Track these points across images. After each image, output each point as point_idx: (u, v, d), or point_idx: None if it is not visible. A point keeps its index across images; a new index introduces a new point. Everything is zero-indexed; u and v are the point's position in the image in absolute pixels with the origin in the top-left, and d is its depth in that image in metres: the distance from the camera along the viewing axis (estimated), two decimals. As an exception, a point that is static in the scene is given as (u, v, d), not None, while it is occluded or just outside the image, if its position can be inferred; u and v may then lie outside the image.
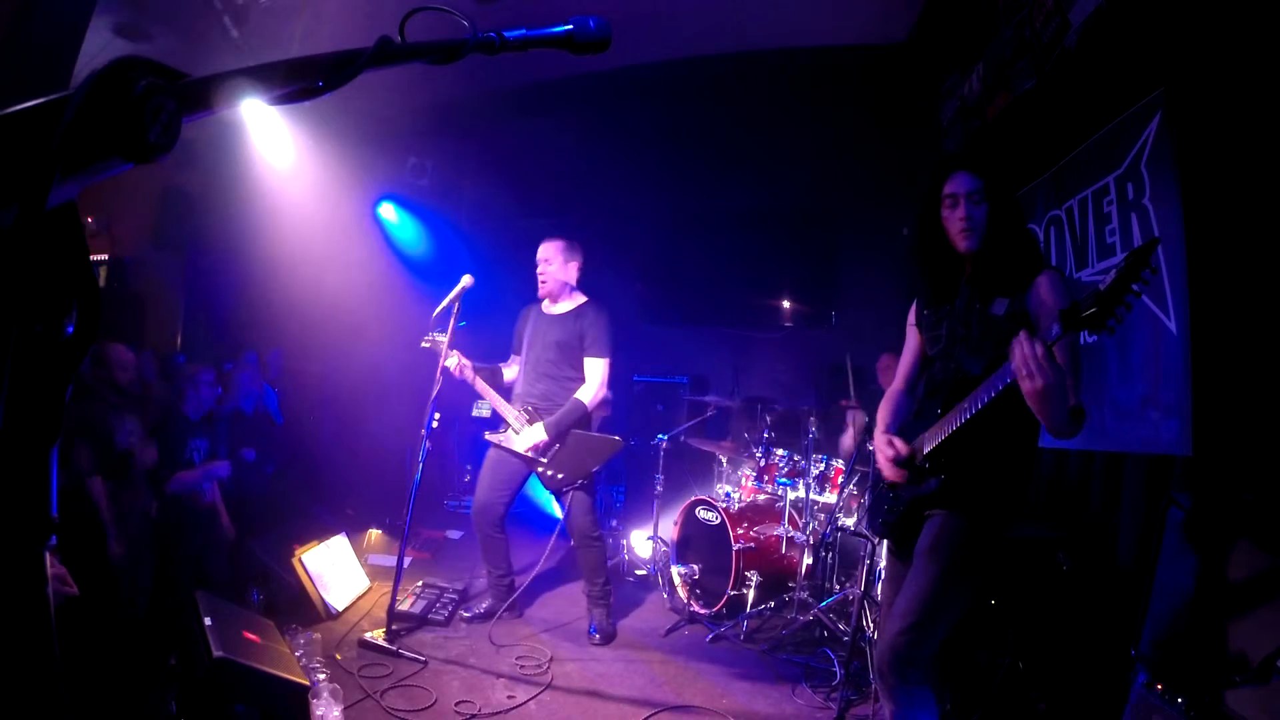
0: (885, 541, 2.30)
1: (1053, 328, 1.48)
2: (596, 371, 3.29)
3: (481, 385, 3.32)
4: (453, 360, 3.23)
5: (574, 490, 3.29)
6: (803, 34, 4.99)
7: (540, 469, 3.29)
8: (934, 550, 1.77)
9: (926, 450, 1.84)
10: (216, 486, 3.57)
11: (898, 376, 2.14)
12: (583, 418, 3.27)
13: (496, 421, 3.46)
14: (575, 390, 3.29)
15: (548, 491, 3.52)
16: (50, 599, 0.50)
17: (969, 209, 1.80)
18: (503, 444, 3.37)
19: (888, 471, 1.92)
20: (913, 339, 2.10)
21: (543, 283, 3.36)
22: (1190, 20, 2.43)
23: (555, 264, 3.33)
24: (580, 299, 3.41)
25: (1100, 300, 1.39)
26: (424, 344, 3.23)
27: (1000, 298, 1.79)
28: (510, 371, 3.53)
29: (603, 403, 3.40)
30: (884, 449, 1.92)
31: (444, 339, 3.20)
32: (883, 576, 3.01)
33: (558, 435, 3.23)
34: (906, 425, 2.00)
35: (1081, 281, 3.07)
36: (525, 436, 3.24)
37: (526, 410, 3.31)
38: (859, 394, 4.39)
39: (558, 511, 5.60)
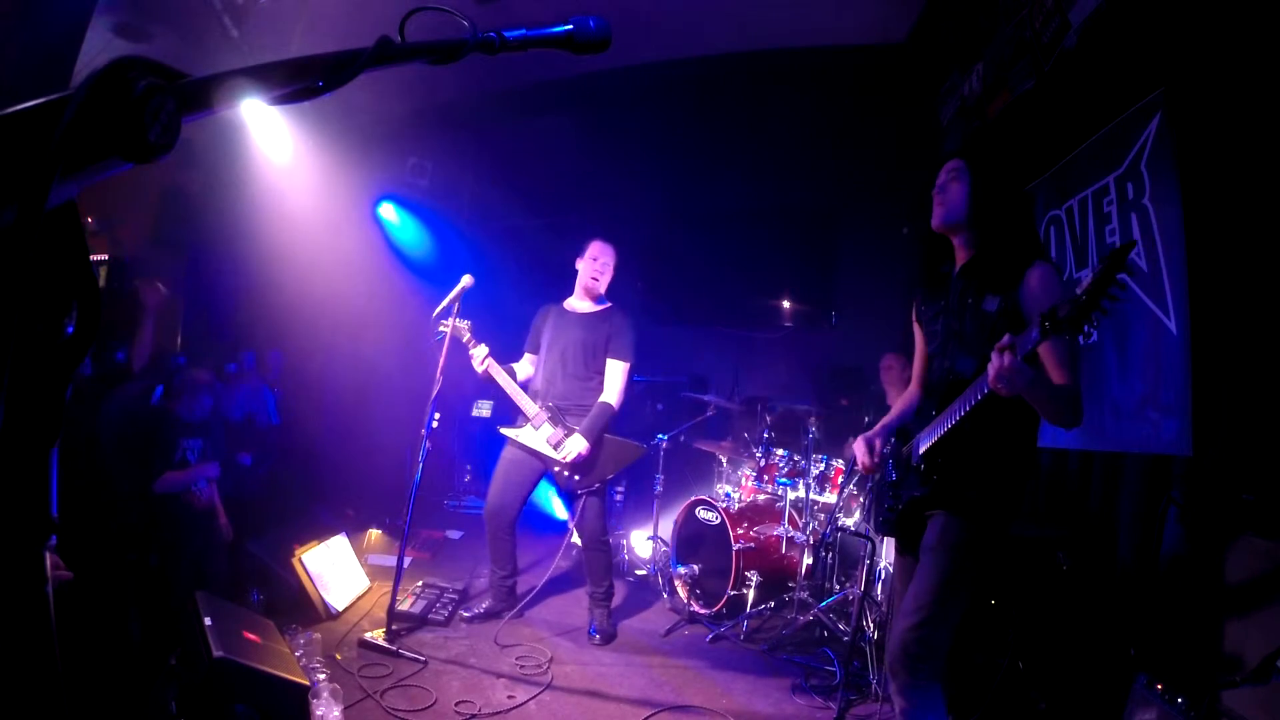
0: (890, 539, 2.31)
1: (1031, 333, 1.49)
2: (618, 374, 3.30)
3: (502, 378, 3.32)
4: (480, 351, 3.26)
5: (588, 494, 3.29)
6: (803, 34, 4.99)
7: (557, 470, 3.28)
8: (938, 549, 1.79)
9: (921, 451, 1.85)
10: (214, 487, 3.57)
11: (914, 379, 2.15)
12: (612, 420, 3.29)
13: (505, 419, 3.46)
14: (593, 390, 3.30)
15: (557, 492, 3.53)
16: (50, 599, 0.50)
17: (943, 182, 1.88)
18: (520, 440, 3.35)
19: (860, 460, 2.02)
20: (920, 338, 2.11)
21: (595, 280, 3.38)
22: (1190, 20, 2.43)
23: (608, 275, 3.38)
24: (607, 302, 3.45)
25: (1077, 305, 1.41)
26: (442, 328, 3.19)
27: (992, 294, 1.80)
28: (524, 370, 3.52)
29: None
30: (859, 444, 2.02)
31: (465, 324, 3.24)
32: (889, 574, 3.03)
33: (596, 441, 3.24)
34: (910, 424, 2.02)
35: (1082, 281, 3.07)
36: (568, 446, 3.20)
37: (547, 409, 3.30)
38: (860, 397, 4.40)
39: (558, 512, 5.66)
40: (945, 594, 1.75)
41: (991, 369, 1.51)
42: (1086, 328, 1.42)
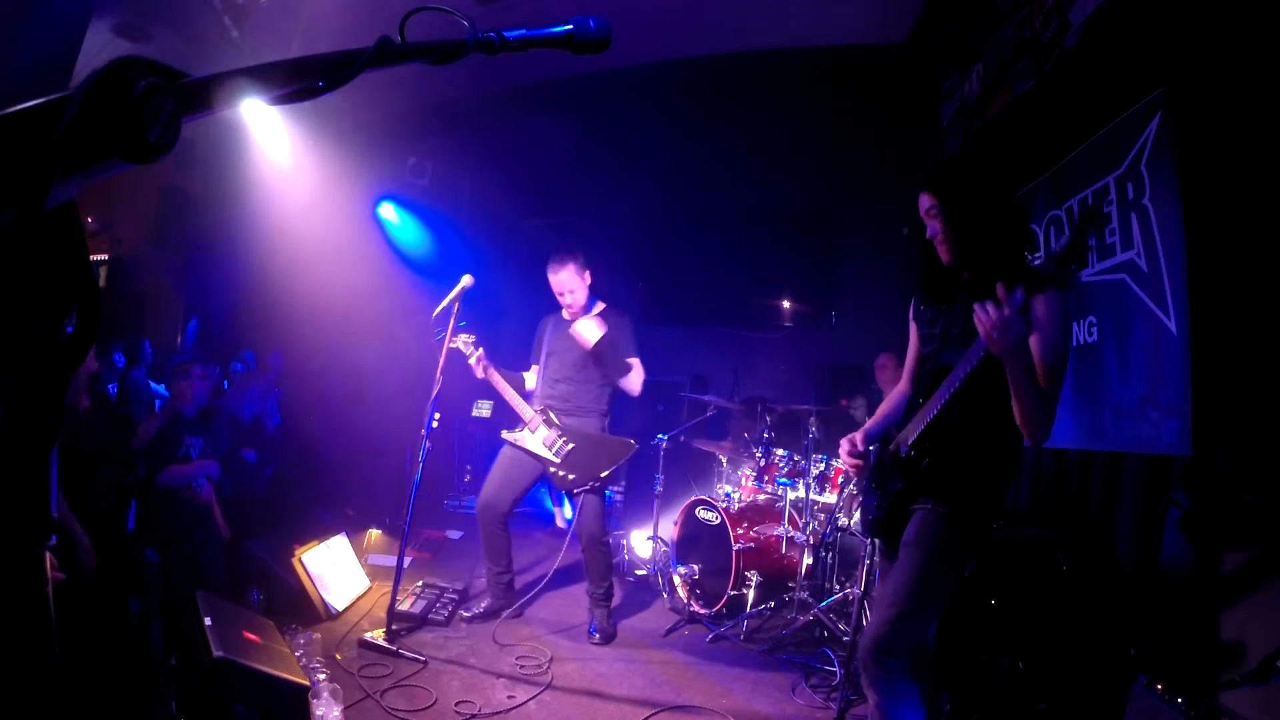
0: (877, 541, 2.32)
1: (1017, 293, 1.52)
2: (634, 370, 3.36)
3: (500, 384, 3.34)
4: (475, 358, 3.28)
5: (585, 493, 3.30)
6: (803, 34, 4.99)
7: (552, 470, 3.29)
8: (917, 541, 1.80)
9: (910, 440, 1.87)
10: (211, 485, 3.57)
11: (904, 376, 2.15)
12: (625, 374, 3.30)
13: (508, 422, 3.47)
14: (596, 392, 3.35)
15: (553, 494, 3.53)
16: (50, 599, 0.50)
17: (930, 226, 1.89)
18: (518, 442, 3.37)
19: (845, 462, 2.05)
20: (914, 335, 2.11)
21: (569, 308, 3.38)
22: (1190, 20, 2.43)
23: (577, 290, 3.34)
24: (599, 305, 3.44)
25: (1059, 260, 1.48)
26: (451, 345, 3.21)
27: None
28: (531, 379, 3.54)
29: (619, 396, 3.44)
30: (844, 442, 2.04)
31: (470, 338, 3.26)
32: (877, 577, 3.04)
33: (609, 343, 3.23)
34: (897, 424, 2.03)
35: (1081, 282, 3.07)
36: (582, 327, 3.21)
37: (541, 412, 3.33)
38: (861, 395, 4.41)
39: (555, 509, 5.65)
40: (921, 588, 1.76)
41: (986, 315, 1.52)
42: (1073, 266, 1.48)
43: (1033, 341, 1.66)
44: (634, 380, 3.33)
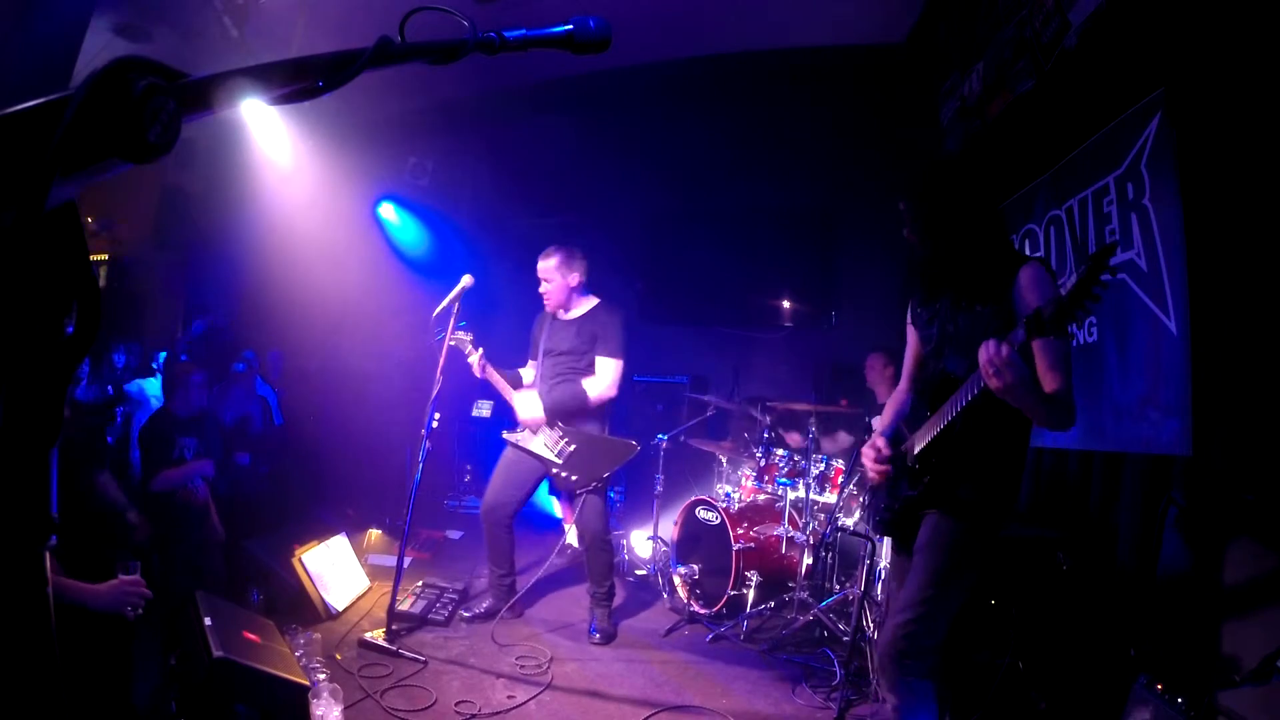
0: (888, 538, 2.33)
1: (1018, 332, 1.51)
2: (607, 371, 3.29)
3: (500, 384, 3.35)
4: (475, 358, 3.28)
5: (587, 493, 3.30)
6: (803, 34, 4.99)
7: (554, 470, 3.29)
8: (930, 547, 1.82)
9: (916, 451, 1.88)
10: (206, 486, 3.57)
11: (903, 377, 2.16)
12: (581, 408, 3.27)
13: (509, 421, 3.47)
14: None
15: (556, 494, 3.53)
16: (50, 598, 0.50)
17: (906, 228, 1.92)
18: (520, 443, 3.37)
19: (870, 471, 2.02)
20: (912, 337, 2.12)
21: (546, 301, 3.38)
22: (1190, 20, 2.43)
23: (555, 282, 3.33)
24: (592, 302, 3.41)
25: (1060, 305, 1.44)
26: (450, 342, 3.21)
27: (985, 297, 1.81)
28: (529, 375, 3.54)
29: (607, 402, 3.38)
30: (868, 450, 2.03)
31: (468, 337, 3.27)
32: (885, 575, 3.04)
33: (553, 415, 3.26)
34: (906, 423, 2.03)
35: (1067, 284, 3.07)
36: (521, 403, 3.26)
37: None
38: (856, 396, 4.41)
39: (558, 512, 5.65)
40: (937, 593, 1.77)
41: (982, 357, 1.53)
42: (1072, 328, 1.45)
43: (1036, 346, 1.67)
44: (599, 384, 3.27)
